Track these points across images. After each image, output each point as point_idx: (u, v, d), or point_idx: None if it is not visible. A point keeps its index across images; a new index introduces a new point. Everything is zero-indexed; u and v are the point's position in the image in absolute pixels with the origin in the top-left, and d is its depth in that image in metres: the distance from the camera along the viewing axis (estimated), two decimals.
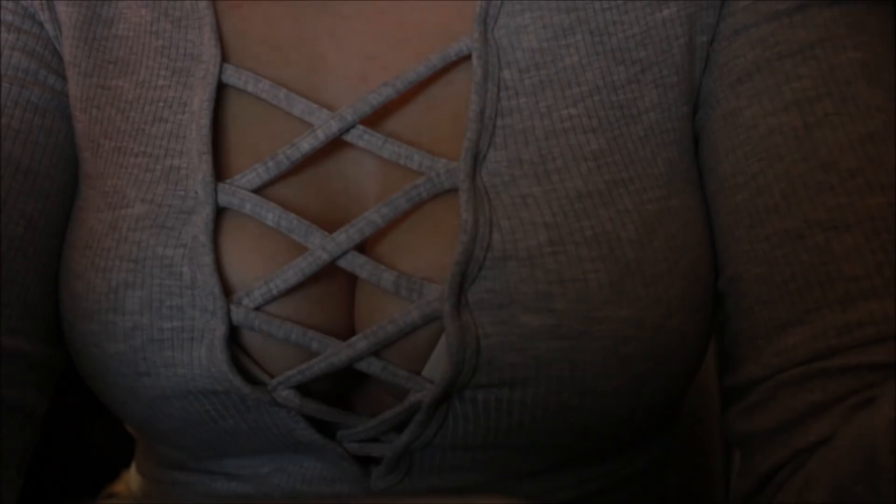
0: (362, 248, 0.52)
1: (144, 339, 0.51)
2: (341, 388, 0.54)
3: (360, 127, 0.52)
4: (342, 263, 0.51)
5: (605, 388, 0.50)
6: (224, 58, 0.54)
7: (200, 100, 0.53)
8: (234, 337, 0.51)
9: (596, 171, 0.50)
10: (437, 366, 0.50)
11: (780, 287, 0.48)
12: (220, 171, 0.53)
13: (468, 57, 0.53)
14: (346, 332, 0.52)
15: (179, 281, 0.51)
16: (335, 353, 0.50)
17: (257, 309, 0.51)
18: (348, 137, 0.53)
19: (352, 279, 0.53)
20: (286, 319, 0.51)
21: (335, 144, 0.54)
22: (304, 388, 0.52)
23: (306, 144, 0.52)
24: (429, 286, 0.50)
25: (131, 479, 0.66)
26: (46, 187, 0.56)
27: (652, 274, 0.49)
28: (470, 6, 0.54)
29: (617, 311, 0.48)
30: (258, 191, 0.52)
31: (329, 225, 0.52)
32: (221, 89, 0.54)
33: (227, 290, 0.51)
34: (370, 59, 0.54)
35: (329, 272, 0.52)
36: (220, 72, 0.54)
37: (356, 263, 0.51)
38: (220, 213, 0.52)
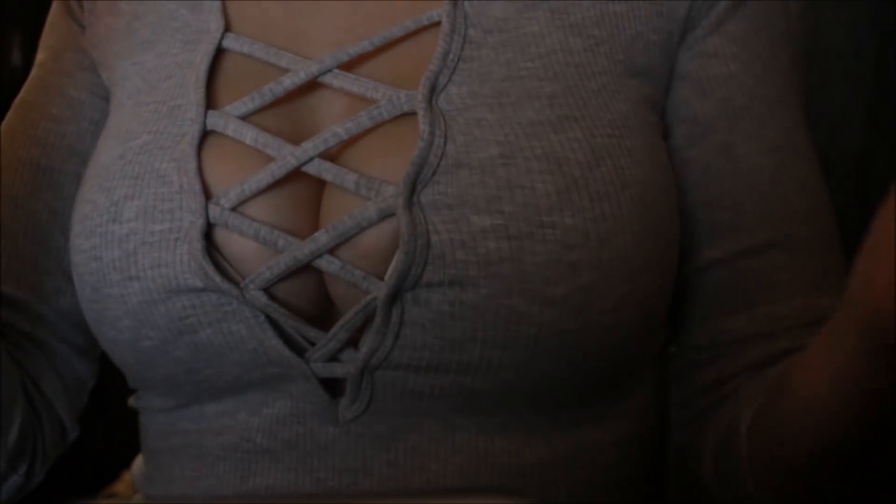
0: (327, 154, 0.57)
1: (137, 242, 0.57)
2: (306, 304, 0.57)
3: (336, 70, 0.58)
4: (308, 169, 0.56)
5: (552, 295, 0.52)
6: (227, 26, 0.62)
7: (202, 56, 0.61)
8: (212, 239, 0.56)
9: (549, 107, 0.55)
10: (391, 270, 0.53)
11: (734, 286, 0.60)
12: (211, 103, 0.60)
13: (438, 23, 0.59)
14: (312, 233, 0.56)
15: (170, 188, 0.57)
16: (299, 248, 0.54)
17: (233, 210, 0.56)
18: (324, 79, 0.59)
19: (319, 187, 0.57)
20: (256, 220, 0.55)
21: (313, 86, 0.59)
22: (272, 296, 0.56)
23: (288, 81, 0.58)
24: (386, 186, 0.54)
25: (135, 469, 0.69)
26: (60, 180, 0.65)
27: (598, 192, 0.54)
28: None
29: (563, 218, 0.53)
30: (242, 118, 0.58)
31: (294, 142, 0.58)
32: (221, 52, 0.61)
33: (208, 194, 0.56)
34: (346, 31, 0.60)
35: (298, 179, 0.56)
36: (221, 38, 0.61)
37: (322, 168, 0.56)
38: (208, 134, 0.58)
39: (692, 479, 0.63)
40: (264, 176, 0.56)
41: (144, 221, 0.57)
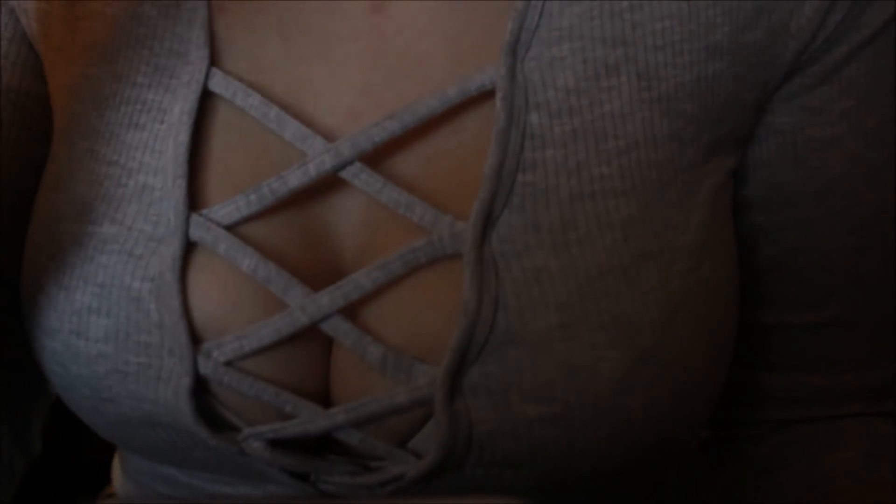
0: (347, 308, 0.48)
1: (109, 368, 0.49)
2: (316, 444, 0.51)
3: (358, 164, 0.47)
4: (324, 327, 0.48)
5: (605, 469, 0.47)
6: (214, 59, 0.50)
7: (181, 110, 0.49)
8: (203, 384, 0.48)
9: (622, 243, 0.45)
10: (423, 441, 0.47)
11: (779, 349, 0.56)
12: (195, 196, 0.49)
13: (490, 92, 0.47)
14: (322, 394, 0.49)
15: (147, 318, 0.48)
16: (311, 421, 0.47)
17: (228, 363, 0.48)
18: (343, 174, 0.48)
19: (331, 339, 0.49)
20: (258, 377, 0.48)
21: (326, 179, 0.49)
22: (275, 443, 0.49)
23: (295, 179, 0.48)
24: (420, 367, 0.46)
25: (115, 476, 0.65)
26: (13, 200, 0.54)
27: (671, 358, 0.46)
28: (495, 29, 0.47)
29: (627, 401, 0.45)
30: (235, 225, 0.48)
31: (311, 274, 0.48)
32: (206, 96, 0.50)
33: (196, 336, 0.48)
34: (364, 94, 0.49)
35: (307, 332, 0.48)
36: (207, 77, 0.49)
37: (339, 329, 0.47)
38: (192, 246, 0.48)
39: (692, 482, 0.63)
40: (267, 333, 0.47)
41: (116, 347, 0.48)
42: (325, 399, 0.49)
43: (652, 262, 0.45)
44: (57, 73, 0.52)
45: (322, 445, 0.50)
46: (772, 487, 0.56)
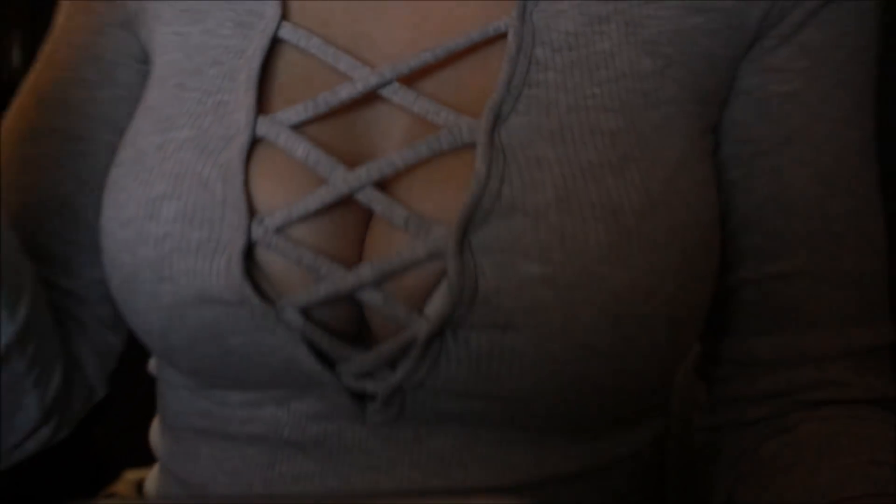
0: (380, 188, 0.55)
1: (173, 246, 0.55)
2: (342, 325, 0.56)
3: (396, 84, 0.56)
4: (359, 197, 0.54)
5: (594, 345, 0.52)
6: (285, 14, 0.60)
7: (255, 48, 0.58)
8: (251, 255, 0.54)
9: (610, 146, 0.53)
10: (435, 305, 0.53)
11: (761, 309, 0.59)
12: (262, 107, 0.57)
13: (504, 35, 0.56)
14: (355, 262, 0.55)
15: (213, 197, 0.55)
16: (341, 278, 0.53)
17: (277, 231, 0.54)
18: (384, 92, 0.56)
19: (367, 216, 0.55)
20: (301, 243, 0.54)
21: (370, 98, 0.57)
22: (308, 315, 0.54)
23: (345, 92, 0.56)
24: (437, 226, 0.52)
25: (154, 435, 0.68)
26: (91, 149, 0.64)
27: (649, 243, 0.52)
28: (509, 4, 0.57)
29: (613, 270, 0.51)
30: (294, 128, 0.56)
31: (352, 166, 0.55)
32: (276, 43, 0.59)
33: (252, 211, 0.55)
34: (411, 41, 0.58)
35: (346, 206, 0.55)
36: (278, 27, 0.59)
37: (372, 198, 0.54)
38: (256, 142, 0.56)
39: (692, 481, 0.63)
40: (313, 201, 0.54)
41: (182, 226, 0.55)
42: (356, 259, 0.55)
43: (635, 164, 0.53)
44: (154, 34, 0.63)
45: (350, 327, 0.56)
46: (773, 492, 0.57)
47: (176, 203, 0.55)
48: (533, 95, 0.54)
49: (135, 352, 0.69)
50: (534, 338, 0.51)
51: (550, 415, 0.55)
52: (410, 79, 0.56)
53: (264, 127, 0.56)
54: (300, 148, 0.55)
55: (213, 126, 0.57)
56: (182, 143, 0.57)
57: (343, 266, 0.54)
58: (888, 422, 0.57)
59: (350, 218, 0.55)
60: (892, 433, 0.56)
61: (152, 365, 0.67)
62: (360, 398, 0.56)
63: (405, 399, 0.55)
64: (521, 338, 0.51)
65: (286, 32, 0.58)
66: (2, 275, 0.57)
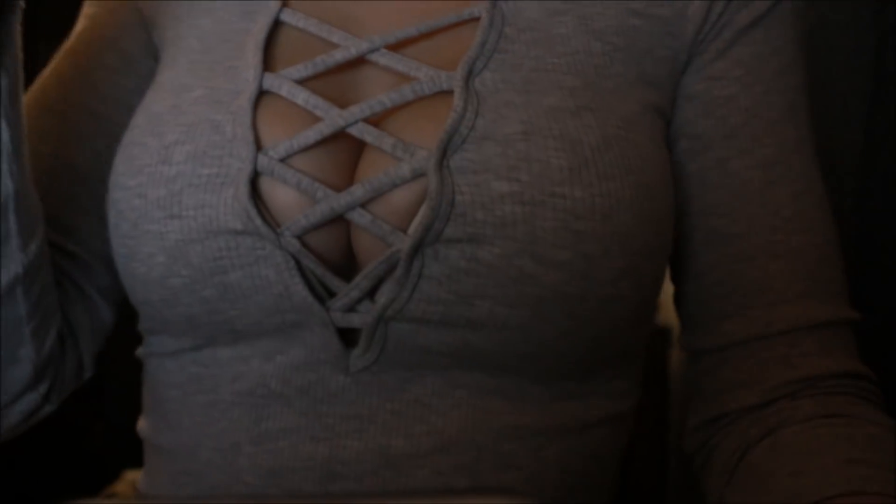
0: (372, 119, 0.62)
1: (184, 183, 0.61)
2: (333, 254, 0.61)
3: (384, 49, 0.64)
4: (353, 130, 0.61)
5: (557, 259, 0.58)
6: (285, 3, 0.68)
7: (260, 27, 0.66)
8: (256, 187, 0.61)
9: (569, 97, 0.61)
10: (417, 221, 0.59)
11: (729, 289, 0.65)
12: (268, 68, 0.65)
13: (478, 19, 0.65)
14: (345, 183, 0.61)
15: (223, 136, 0.62)
16: (335, 199, 0.59)
17: (280, 161, 0.60)
18: (372, 57, 0.64)
19: (359, 148, 0.62)
20: (301, 171, 0.60)
21: (361, 62, 0.65)
22: (304, 243, 0.60)
23: (340, 55, 0.64)
24: (420, 149, 0.60)
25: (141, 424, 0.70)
26: (112, 129, 0.69)
27: (605, 173, 0.59)
28: None
29: (572, 190, 0.58)
30: (296, 82, 0.63)
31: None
32: (278, 25, 0.67)
33: (259, 145, 0.61)
34: (396, 24, 0.65)
35: (341, 139, 0.62)
36: (279, 12, 0.67)
37: (364, 130, 0.61)
38: (263, 94, 0.63)
39: (692, 482, 0.64)
40: (312, 133, 0.61)
41: (193, 165, 0.61)
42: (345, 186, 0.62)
43: (591, 113, 0.61)
44: (167, 32, 0.71)
45: (340, 262, 0.62)
46: (760, 496, 0.60)
47: (188, 146, 0.62)
48: (502, 59, 0.63)
49: (134, 352, 0.69)
50: (503, 251, 0.58)
51: (522, 351, 0.60)
52: (396, 47, 0.64)
53: (270, 80, 0.63)
54: (301, 95, 0.62)
55: (225, 84, 0.64)
56: (196, 100, 0.64)
57: (337, 191, 0.60)
58: (863, 417, 0.61)
59: (344, 150, 0.62)
60: (867, 429, 0.60)
61: (140, 350, 0.69)
62: (345, 345, 0.61)
63: (387, 335, 0.60)
64: (492, 252, 0.58)
65: (286, 15, 0.67)
66: (21, 204, 0.62)
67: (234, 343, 0.63)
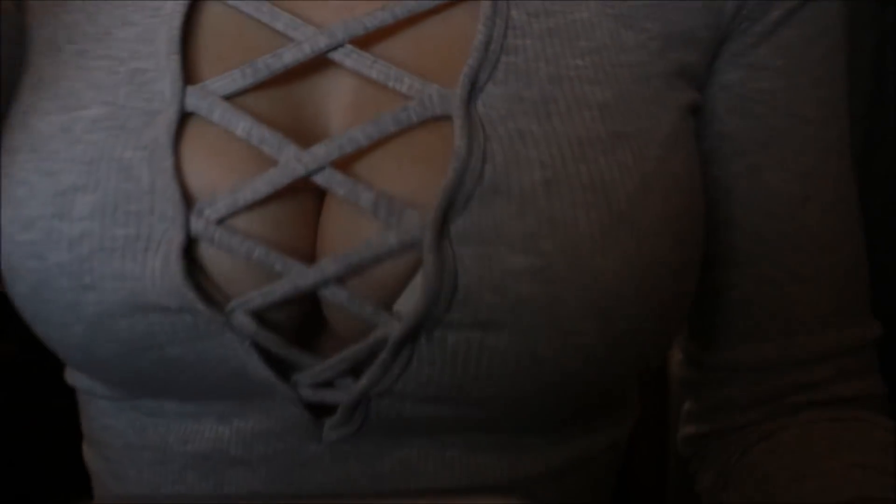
0: (340, 162, 0.48)
1: (93, 247, 0.47)
2: (300, 327, 0.50)
3: (349, 46, 0.48)
4: (318, 179, 0.47)
5: (581, 342, 0.47)
6: None
7: (173, 5, 0.50)
8: (192, 251, 0.47)
9: (599, 120, 0.48)
10: (408, 301, 0.47)
11: (746, 314, 0.57)
12: (189, 74, 0.49)
13: None
14: (310, 255, 0.48)
15: (138, 185, 0.47)
16: (301, 276, 0.46)
17: (220, 222, 0.47)
18: (334, 56, 0.48)
19: (321, 198, 0.49)
20: (249, 235, 0.47)
21: (319, 63, 0.49)
22: (261, 318, 0.47)
23: (289, 56, 0.48)
24: (411, 211, 0.46)
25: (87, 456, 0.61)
26: None
27: (643, 229, 0.47)
28: None
29: (605, 259, 0.46)
30: (230, 97, 0.48)
31: (302, 139, 0.48)
32: (198, 1, 0.50)
33: (189, 199, 0.47)
34: (361, 4, 0.50)
35: (300, 189, 0.48)
36: None
37: (333, 180, 0.47)
38: (186, 118, 0.48)
39: (692, 482, 0.63)
40: (262, 185, 0.46)
41: (102, 222, 0.47)
42: (313, 260, 0.48)
43: (626, 141, 0.48)
44: None
45: (308, 330, 0.50)
46: (760, 500, 0.56)
47: (92, 196, 0.47)
48: (511, 63, 0.48)
49: None
50: (517, 337, 0.46)
51: (526, 416, 0.52)
52: (366, 41, 0.49)
53: (194, 99, 0.47)
54: (240, 124, 0.47)
55: (131, 99, 0.48)
56: (93, 123, 0.48)
57: (300, 260, 0.47)
58: (869, 421, 0.57)
59: (305, 203, 0.48)
60: (873, 434, 0.56)
61: (68, 376, 0.59)
62: (316, 411, 0.50)
63: (368, 409, 0.49)
64: (503, 337, 0.46)
65: None
66: None
67: (181, 400, 0.52)
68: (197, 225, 0.46)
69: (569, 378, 0.49)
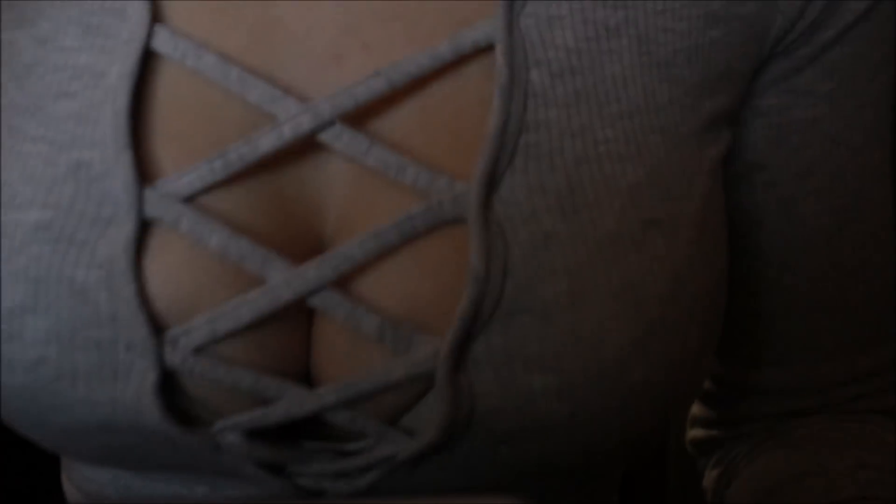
0: (338, 285, 0.42)
1: (52, 374, 0.41)
2: (297, 430, 0.45)
3: (339, 125, 0.41)
4: (312, 301, 0.41)
5: (603, 447, 0.44)
6: (156, 16, 0.42)
7: (120, 73, 0.41)
8: (170, 377, 0.41)
9: (630, 208, 0.42)
10: (416, 418, 0.42)
11: (771, 341, 0.54)
12: (146, 168, 0.41)
13: (485, 48, 0.42)
14: (303, 374, 0.43)
15: (96, 311, 0.40)
16: (297, 404, 0.41)
17: (197, 351, 0.41)
18: (323, 136, 0.41)
19: (313, 313, 0.43)
20: (234, 363, 0.41)
21: (304, 146, 0.42)
22: (252, 433, 0.42)
23: (267, 143, 0.40)
24: (420, 338, 0.41)
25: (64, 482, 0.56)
26: None
27: (673, 331, 0.43)
28: None
29: (631, 374, 0.42)
30: (197, 196, 0.41)
31: (289, 249, 0.42)
32: (150, 58, 0.42)
33: (159, 325, 0.40)
34: (348, 33, 0.42)
35: (290, 308, 0.42)
36: (150, 36, 0.41)
37: (329, 302, 0.41)
38: (147, 225, 0.41)
39: (692, 482, 0.63)
40: (245, 312, 0.40)
41: (60, 348, 0.41)
42: (306, 379, 0.43)
43: (658, 229, 0.43)
44: None
45: (300, 429, 0.45)
46: (766, 500, 0.55)
47: (44, 319, 0.41)
48: (533, 144, 0.42)
49: None
50: (536, 448, 0.43)
51: (528, 485, 0.47)
52: (357, 117, 0.42)
53: (154, 203, 0.40)
54: (213, 237, 0.40)
55: (77, 201, 0.41)
56: (34, 229, 0.41)
57: (294, 381, 0.42)
58: (878, 423, 0.56)
59: (293, 324, 0.42)
60: (882, 436, 0.55)
61: None
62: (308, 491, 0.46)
63: (368, 488, 0.45)
64: (521, 449, 0.43)
65: (162, 43, 0.41)
66: None
67: (167, 474, 0.46)
68: (172, 357, 0.40)
69: (585, 470, 0.47)
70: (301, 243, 0.42)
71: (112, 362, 0.40)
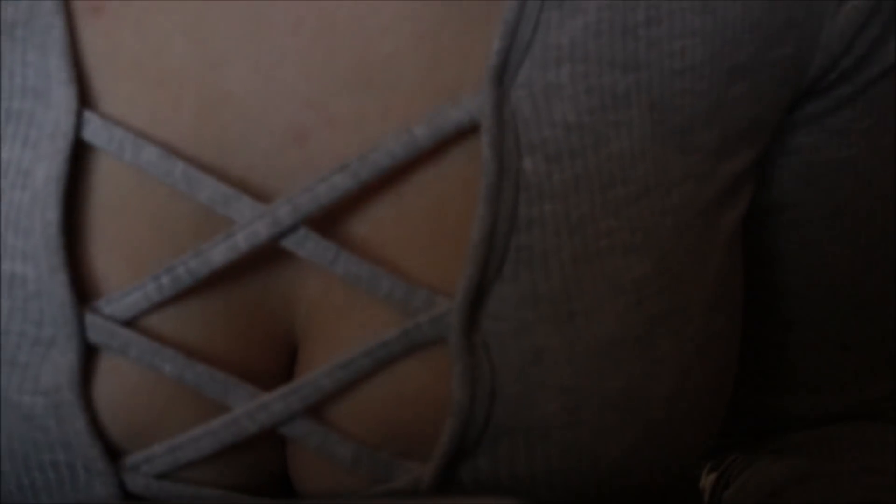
0: (310, 412, 0.39)
1: (12, 485, 0.38)
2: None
3: (302, 230, 0.36)
4: (280, 430, 0.38)
5: None
6: (84, 100, 0.37)
7: (47, 176, 0.36)
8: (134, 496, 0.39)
9: (634, 308, 0.37)
10: None
11: (780, 371, 0.51)
12: (85, 284, 0.37)
13: (471, 130, 0.36)
14: (278, 486, 0.40)
15: (47, 437, 0.37)
16: None
17: (160, 477, 0.38)
18: (284, 243, 0.37)
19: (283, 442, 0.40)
20: (202, 484, 0.38)
21: (265, 253, 0.37)
22: None
23: (219, 255, 0.36)
24: (401, 467, 0.37)
25: None
26: None
27: (677, 431, 0.39)
28: (477, 45, 0.37)
29: (629, 479, 0.38)
30: (144, 316, 0.37)
31: (253, 362, 0.38)
32: (83, 150, 0.37)
33: (116, 450, 0.37)
34: (310, 106, 0.37)
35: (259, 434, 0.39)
36: (79, 124, 0.36)
37: (300, 431, 0.37)
38: (92, 349, 0.37)
39: (692, 482, 0.64)
40: (207, 442, 0.37)
41: (14, 466, 0.38)
42: (282, 489, 0.41)
43: (665, 326, 0.38)
44: None
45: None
46: (763, 499, 0.55)
47: None
48: (525, 247, 0.36)
49: None
50: None
51: None
52: (324, 219, 0.37)
53: (97, 328, 0.36)
54: (166, 365, 0.36)
55: (13, 321, 0.37)
56: None
57: (269, 493, 0.39)
58: (878, 426, 0.55)
59: (268, 445, 0.39)
60: (888, 438, 0.54)
61: None
62: None
63: None
64: None
65: (94, 134, 0.36)
66: None
67: None
68: (135, 483, 0.37)
69: None
70: (266, 357, 0.39)
71: (72, 479, 0.38)
